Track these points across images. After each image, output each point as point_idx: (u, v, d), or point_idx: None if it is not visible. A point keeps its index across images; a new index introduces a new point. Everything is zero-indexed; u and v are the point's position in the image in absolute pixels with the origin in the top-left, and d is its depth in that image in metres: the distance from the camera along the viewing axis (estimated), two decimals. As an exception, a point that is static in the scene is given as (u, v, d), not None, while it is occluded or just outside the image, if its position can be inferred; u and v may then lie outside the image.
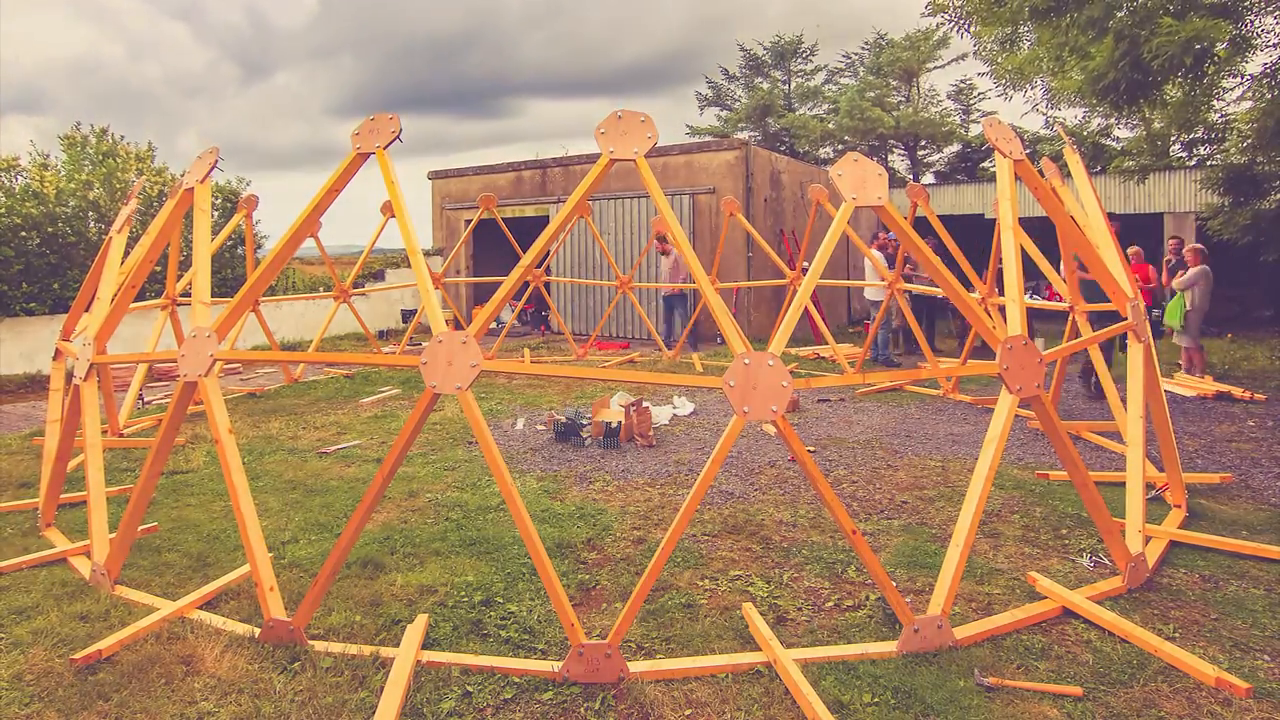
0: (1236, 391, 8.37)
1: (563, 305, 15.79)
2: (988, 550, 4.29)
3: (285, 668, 3.09)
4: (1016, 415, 6.11)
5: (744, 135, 26.59)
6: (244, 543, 3.41)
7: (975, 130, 25.51)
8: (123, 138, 14.62)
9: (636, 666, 3.07)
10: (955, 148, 26.46)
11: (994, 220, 6.80)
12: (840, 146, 25.75)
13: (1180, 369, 9.22)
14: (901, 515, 4.88)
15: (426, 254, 16.06)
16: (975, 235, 14.18)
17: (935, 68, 26.28)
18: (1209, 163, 9.00)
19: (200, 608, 3.64)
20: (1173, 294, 9.01)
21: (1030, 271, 6.23)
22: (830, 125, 25.91)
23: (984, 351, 9.76)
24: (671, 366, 11.24)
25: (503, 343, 12.91)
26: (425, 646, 3.24)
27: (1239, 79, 7.38)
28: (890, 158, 26.76)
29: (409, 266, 14.83)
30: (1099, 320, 6.57)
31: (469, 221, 15.56)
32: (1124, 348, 8.80)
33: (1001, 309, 6.97)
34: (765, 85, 27.95)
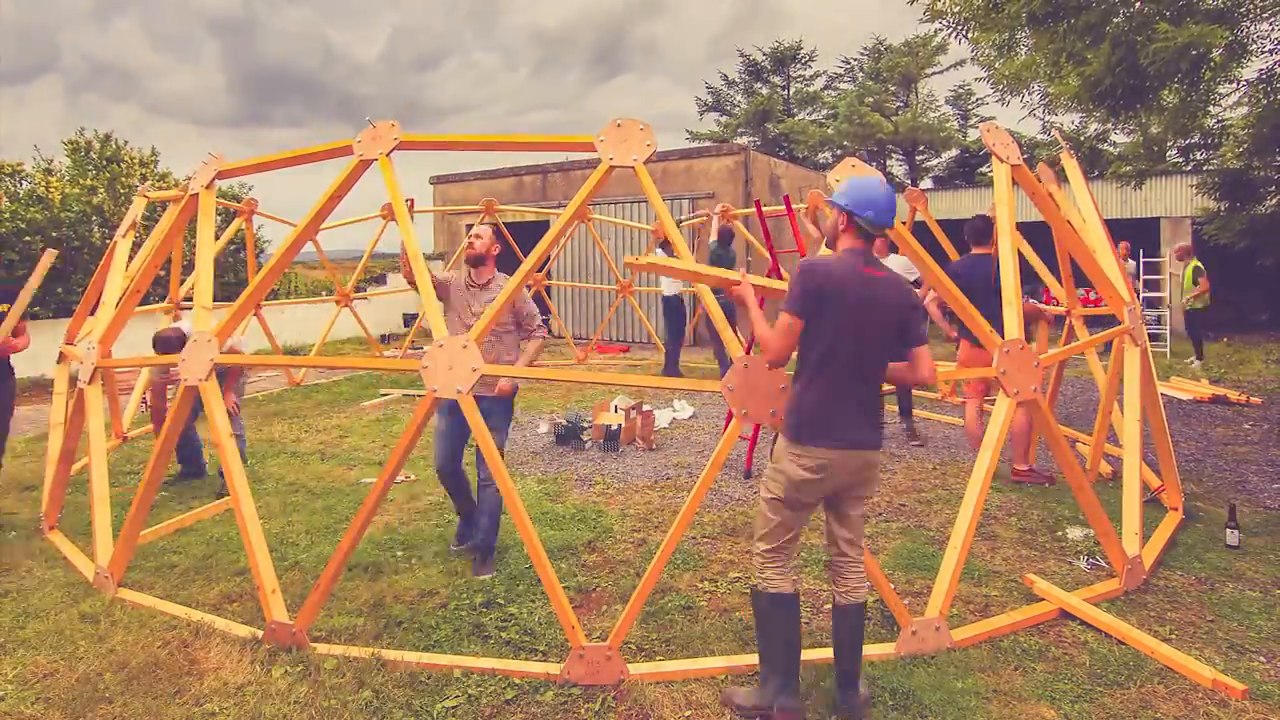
0: (1233, 395, 8.40)
1: (563, 309, 15.83)
2: (985, 552, 4.31)
3: (288, 670, 3.11)
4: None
5: (743, 140, 26.66)
6: (245, 545, 3.44)
7: (973, 135, 25.57)
8: (126, 143, 14.67)
9: (636, 668, 3.09)
10: (953, 153, 26.55)
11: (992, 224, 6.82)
12: (839, 151, 25.84)
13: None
14: (899, 517, 4.91)
15: (428, 258, 16.08)
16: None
17: (934, 73, 26.38)
18: (1205, 168, 8.98)
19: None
20: None
21: (1028, 275, 6.25)
22: (829, 130, 26.01)
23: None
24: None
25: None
26: (427, 649, 3.27)
27: (1235, 84, 7.40)
28: (889, 163, 26.84)
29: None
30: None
31: (470, 226, 15.60)
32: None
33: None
34: (764, 91, 28.05)
